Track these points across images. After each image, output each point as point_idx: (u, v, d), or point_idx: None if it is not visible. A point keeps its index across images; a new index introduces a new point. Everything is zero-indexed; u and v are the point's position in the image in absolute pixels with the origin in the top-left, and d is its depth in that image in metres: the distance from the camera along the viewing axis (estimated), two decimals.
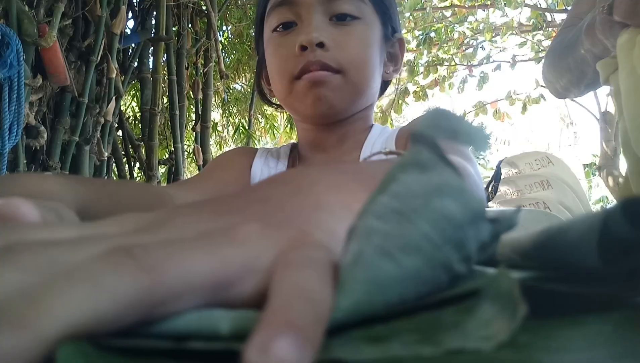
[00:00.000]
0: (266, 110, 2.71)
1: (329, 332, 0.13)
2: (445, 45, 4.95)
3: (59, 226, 0.15)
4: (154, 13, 1.78)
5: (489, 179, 1.77)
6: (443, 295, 0.15)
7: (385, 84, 0.73)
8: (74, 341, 0.10)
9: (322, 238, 0.16)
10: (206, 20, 1.94)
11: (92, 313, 0.11)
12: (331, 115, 0.61)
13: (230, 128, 2.78)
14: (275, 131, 2.82)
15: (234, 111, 2.58)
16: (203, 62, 1.98)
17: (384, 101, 4.22)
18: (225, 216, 0.17)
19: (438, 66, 4.99)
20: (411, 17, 4.55)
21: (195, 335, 0.12)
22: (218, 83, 2.30)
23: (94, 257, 0.12)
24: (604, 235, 0.14)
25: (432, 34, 4.77)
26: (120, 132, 1.82)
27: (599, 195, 6.67)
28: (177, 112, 1.79)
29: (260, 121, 2.69)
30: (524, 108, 4.90)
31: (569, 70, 0.81)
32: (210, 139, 2.14)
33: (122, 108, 1.90)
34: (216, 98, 2.44)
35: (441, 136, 0.16)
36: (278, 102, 0.74)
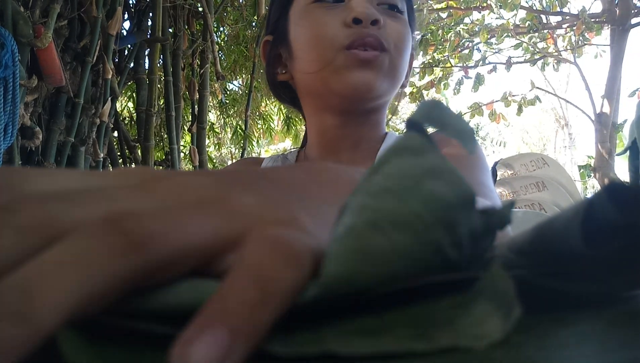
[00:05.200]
0: (263, 111, 2.70)
1: (320, 319, 0.13)
2: (441, 46, 4.96)
3: (62, 174, 0.15)
4: (150, 14, 1.78)
5: None
6: (437, 277, 0.15)
7: None
8: (74, 332, 0.11)
9: (313, 228, 0.15)
10: (202, 22, 1.93)
11: (86, 296, 0.11)
12: (366, 100, 0.59)
13: (227, 129, 2.78)
14: (271, 132, 2.82)
15: (231, 112, 2.58)
16: (199, 63, 1.98)
17: None
18: (227, 186, 0.16)
19: (434, 68, 5.00)
20: None
21: (188, 310, 0.12)
22: (215, 84, 2.29)
23: (88, 228, 0.12)
24: (588, 218, 0.14)
25: (428, 36, 4.78)
26: (116, 133, 1.82)
27: None
28: (173, 113, 1.79)
29: (258, 122, 2.69)
30: (520, 110, 4.91)
31: None
32: (207, 140, 2.14)
33: (118, 109, 1.90)
34: (213, 99, 2.44)
35: (432, 125, 0.17)
36: (286, 98, 0.69)
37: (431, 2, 4.75)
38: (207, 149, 2.05)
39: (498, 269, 0.14)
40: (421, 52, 4.81)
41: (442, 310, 0.14)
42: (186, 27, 1.93)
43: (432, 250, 0.15)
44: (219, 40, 2.32)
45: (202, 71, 1.96)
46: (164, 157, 1.89)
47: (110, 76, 1.52)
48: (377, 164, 0.16)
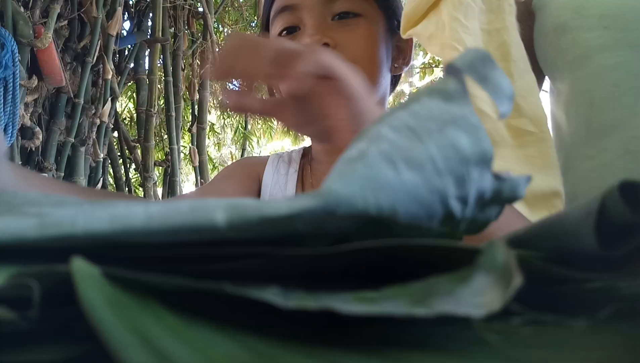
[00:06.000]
0: None
1: (319, 282, 0.13)
2: None
3: None
4: (150, 14, 1.78)
5: None
6: (438, 241, 0.15)
7: (395, 79, 0.71)
8: (92, 273, 0.10)
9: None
10: (202, 22, 1.93)
11: None
12: None
13: (227, 129, 2.77)
14: (271, 132, 2.82)
15: (232, 112, 2.58)
16: (199, 64, 1.98)
17: None
18: None
19: (434, 68, 5.00)
20: None
21: (191, 229, 0.12)
22: (215, 84, 2.29)
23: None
24: (602, 217, 0.14)
25: None
26: (116, 134, 1.82)
27: None
28: (173, 114, 1.79)
29: (258, 122, 2.69)
30: None
31: None
32: (207, 140, 2.14)
33: (118, 109, 1.90)
34: (213, 100, 2.44)
35: (472, 75, 0.17)
36: None
37: None
38: (207, 149, 2.05)
39: (498, 242, 0.14)
40: (421, 53, 4.81)
41: (441, 284, 0.14)
42: (186, 27, 1.93)
43: (437, 197, 0.15)
44: (219, 40, 2.32)
45: (202, 71, 1.96)
46: (164, 157, 1.89)
47: (110, 76, 1.52)
48: (407, 101, 0.16)
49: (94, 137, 1.52)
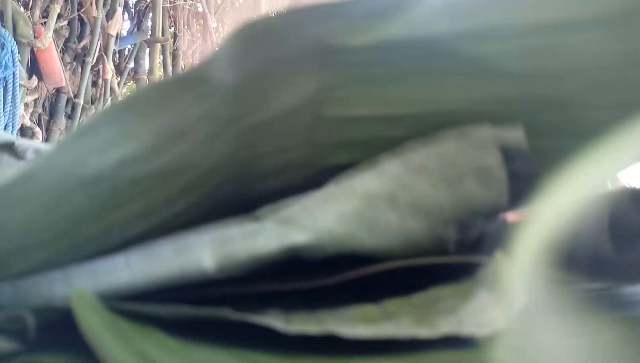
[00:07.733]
0: None
1: (316, 303, 0.13)
2: None
3: None
4: (150, 14, 1.77)
5: None
6: (436, 259, 0.15)
7: None
8: (90, 300, 0.10)
9: None
10: (202, 22, 1.93)
11: None
12: None
13: None
14: None
15: None
16: None
17: None
18: None
19: None
20: None
21: (178, 277, 0.12)
22: None
23: None
24: (615, 223, 0.14)
25: None
26: None
27: None
28: None
29: None
30: None
31: None
32: None
33: None
34: None
35: None
36: None
37: None
38: None
39: (502, 257, 0.14)
40: None
41: (444, 299, 0.14)
42: (186, 27, 1.93)
43: (437, 243, 0.15)
44: (219, 40, 2.32)
45: None
46: None
47: (110, 77, 1.52)
48: (433, 138, 0.15)
49: None
